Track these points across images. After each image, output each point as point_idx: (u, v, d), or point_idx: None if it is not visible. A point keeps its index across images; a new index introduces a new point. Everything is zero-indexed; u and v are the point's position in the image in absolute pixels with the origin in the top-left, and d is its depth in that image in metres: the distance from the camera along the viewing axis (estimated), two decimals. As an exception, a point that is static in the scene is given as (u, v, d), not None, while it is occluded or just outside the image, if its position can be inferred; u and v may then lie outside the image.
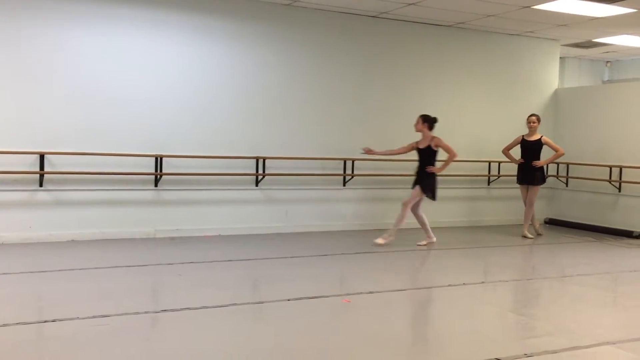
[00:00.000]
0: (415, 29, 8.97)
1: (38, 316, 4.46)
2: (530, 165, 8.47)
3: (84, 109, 7.17)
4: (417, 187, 7.35)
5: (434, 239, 7.55)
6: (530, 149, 8.50)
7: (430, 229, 7.55)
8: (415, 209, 7.46)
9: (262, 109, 8.10)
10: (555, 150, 8.51)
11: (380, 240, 7.28)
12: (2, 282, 5.29)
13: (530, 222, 8.67)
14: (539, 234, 8.80)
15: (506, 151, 8.74)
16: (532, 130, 8.53)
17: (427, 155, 7.38)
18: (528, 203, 8.56)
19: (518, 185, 8.78)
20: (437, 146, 7.32)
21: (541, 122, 8.69)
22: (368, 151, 7.48)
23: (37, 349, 3.82)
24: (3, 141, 6.79)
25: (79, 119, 7.14)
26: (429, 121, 7.36)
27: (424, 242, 7.53)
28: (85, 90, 7.17)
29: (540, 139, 8.50)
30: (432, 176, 7.38)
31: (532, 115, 8.63)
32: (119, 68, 7.32)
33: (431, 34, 9.09)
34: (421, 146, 7.43)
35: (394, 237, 7.38)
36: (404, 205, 7.33)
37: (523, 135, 8.63)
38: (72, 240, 7.12)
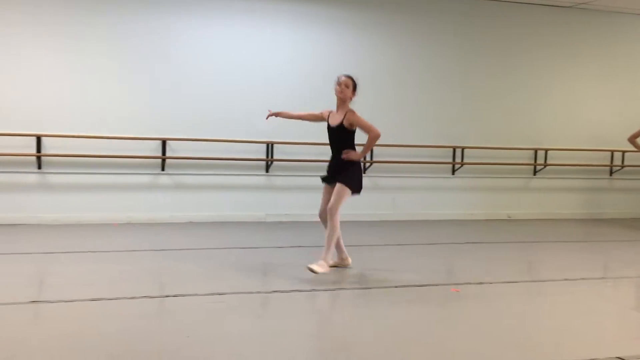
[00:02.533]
0: (532, 11, 8.55)
1: (160, 291, 4.77)
2: (659, 154, 7.85)
3: (201, 99, 7.55)
4: (342, 187, 5.08)
5: (330, 265, 5.18)
6: (661, 137, 7.87)
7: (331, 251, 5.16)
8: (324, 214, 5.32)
9: (370, 95, 8.10)
10: (690, 138, 7.81)
11: (317, 268, 4.94)
12: (129, 258, 5.73)
13: (659, 216, 8.05)
14: (668, 229, 8.16)
15: (633, 139, 8.13)
16: (662, 117, 7.89)
17: (341, 136, 5.03)
18: (656, 195, 7.95)
19: (645, 176, 8.18)
20: (351, 125, 4.98)
21: (673, 108, 8.02)
22: (274, 114, 5.45)
23: (160, 320, 4.10)
24: (131, 129, 7.32)
25: (196, 108, 7.54)
26: (355, 88, 5.03)
27: (321, 268, 4.97)
28: (201, 82, 7.54)
29: (672, 126, 7.85)
30: (355, 165, 5.13)
31: (663, 100, 7.97)
32: (232, 60, 7.63)
33: (549, 16, 8.63)
34: (332, 123, 5.04)
35: (337, 260, 5.45)
36: (331, 215, 5.07)
37: (652, 122, 8.01)
38: (190, 222, 7.54)
